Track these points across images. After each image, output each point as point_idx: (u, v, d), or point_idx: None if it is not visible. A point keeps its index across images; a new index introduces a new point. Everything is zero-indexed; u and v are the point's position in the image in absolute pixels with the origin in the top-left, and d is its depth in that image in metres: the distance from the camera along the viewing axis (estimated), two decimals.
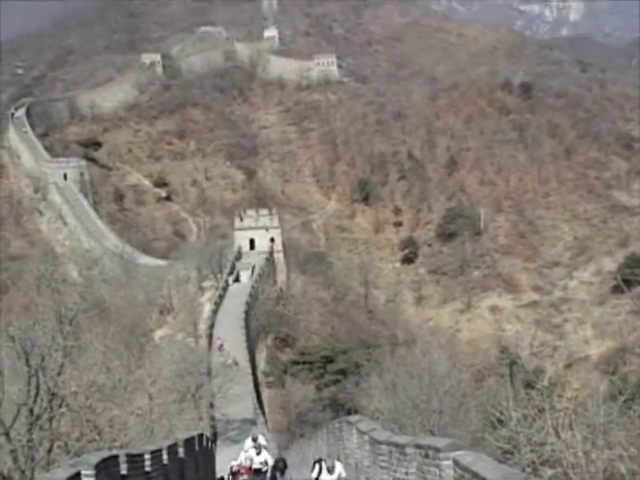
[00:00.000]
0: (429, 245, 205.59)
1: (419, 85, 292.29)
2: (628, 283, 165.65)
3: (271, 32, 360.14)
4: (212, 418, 64.49)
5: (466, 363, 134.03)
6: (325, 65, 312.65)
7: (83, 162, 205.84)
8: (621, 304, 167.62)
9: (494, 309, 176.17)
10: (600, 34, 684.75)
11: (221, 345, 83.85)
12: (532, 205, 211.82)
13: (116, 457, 19.29)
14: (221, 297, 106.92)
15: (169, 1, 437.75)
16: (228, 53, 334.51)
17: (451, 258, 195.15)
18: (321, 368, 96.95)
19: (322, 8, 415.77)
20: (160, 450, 24.05)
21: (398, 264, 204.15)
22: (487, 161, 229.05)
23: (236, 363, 78.80)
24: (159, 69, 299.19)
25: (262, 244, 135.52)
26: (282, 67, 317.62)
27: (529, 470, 30.98)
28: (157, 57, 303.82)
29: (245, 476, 30.61)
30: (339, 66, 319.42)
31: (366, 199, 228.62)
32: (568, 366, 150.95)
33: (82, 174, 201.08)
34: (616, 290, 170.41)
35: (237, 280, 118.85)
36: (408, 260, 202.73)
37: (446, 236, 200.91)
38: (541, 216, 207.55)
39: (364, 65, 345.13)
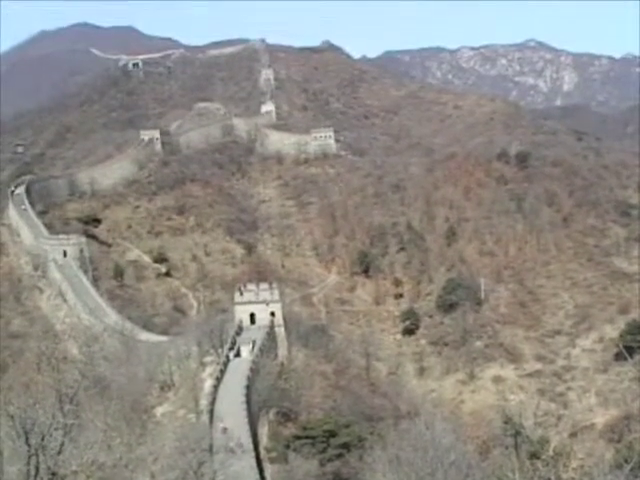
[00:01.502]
0: (430, 316, 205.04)
1: (417, 157, 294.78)
2: (630, 350, 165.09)
3: (268, 107, 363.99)
4: None
5: (470, 435, 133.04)
6: (322, 139, 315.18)
7: (83, 239, 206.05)
8: (624, 371, 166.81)
9: (497, 379, 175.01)
10: (594, 103, 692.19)
11: (225, 429, 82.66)
12: (532, 274, 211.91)
13: None
14: (222, 372, 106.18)
15: (167, 79, 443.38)
16: (226, 128, 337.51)
17: (452, 329, 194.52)
18: (324, 442, 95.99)
19: (319, 83, 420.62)
20: None
21: (399, 336, 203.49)
22: (486, 231, 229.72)
23: (240, 445, 77.64)
24: (158, 145, 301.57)
25: (263, 318, 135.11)
26: (280, 141, 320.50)
27: None
28: (156, 133, 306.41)
29: None
30: (336, 140, 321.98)
31: (366, 271, 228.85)
32: (573, 435, 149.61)
33: (82, 251, 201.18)
34: (619, 357, 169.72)
35: (238, 355, 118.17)
36: (409, 331, 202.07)
37: (447, 307, 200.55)
38: (541, 285, 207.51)
39: (361, 138, 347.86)
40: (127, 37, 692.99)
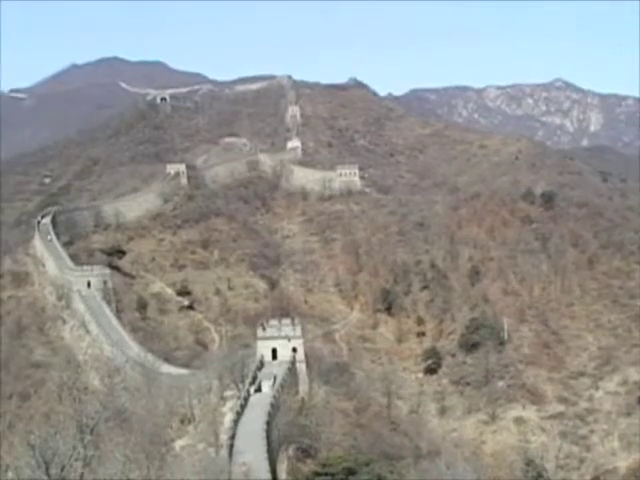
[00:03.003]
0: (452, 355, 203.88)
1: (441, 195, 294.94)
2: None
3: (294, 143, 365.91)
4: None
5: (491, 476, 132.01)
6: (347, 176, 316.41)
7: (107, 270, 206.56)
8: None
9: (519, 420, 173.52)
10: (620, 144, 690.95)
11: (246, 471, 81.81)
12: (556, 315, 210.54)
13: None
14: (242, 407, 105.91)
15: (194, 114, 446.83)
16: (252, 163, 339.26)
17: (475, 368, 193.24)
18: None
19: (345, 120, 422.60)
20: None
21: (421, 374, 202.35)
22: (510, 271, 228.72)
23: None
24: (184, 179, 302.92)
25: (284, 354, 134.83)
26: (305, 177, 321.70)
27: None
28: (182, 167, 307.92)
29: None
30: (361, 177, 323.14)
31: (389, 309, 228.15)
32: (595, 479, 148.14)
33: (105, 282, 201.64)
34: None
35: (259, 390, 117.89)
36: (431, 370, 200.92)
37: (469, 346, 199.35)
38: (565, 326, 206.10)
39: (386, 175, 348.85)
40: (155, 71, 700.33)
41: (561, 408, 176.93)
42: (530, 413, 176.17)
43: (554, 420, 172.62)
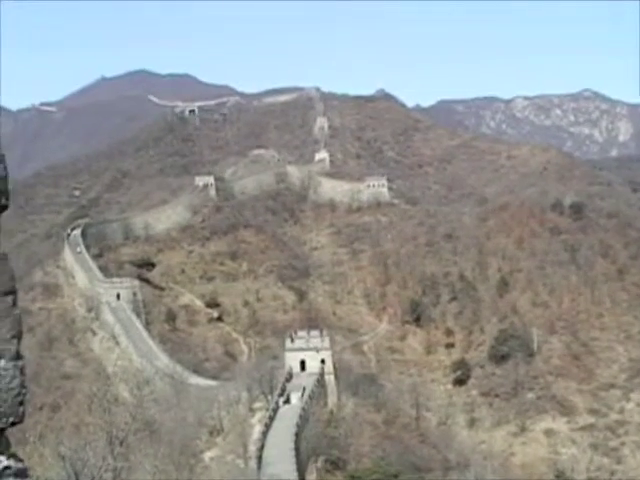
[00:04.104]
0: (481, 367, 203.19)
1: (470, 206, 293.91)
2: None
3: (322, 155, 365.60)
4: None
5: None
6: (376, 187, 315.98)
7: (136, 282, 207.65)
8: None
9: (549, 432, 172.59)
10: None
11: None
12: (586, 326, 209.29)
13: None
14: (271, 419, 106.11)
15: (222, 126, 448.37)
16: (280, 175, 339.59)
17: (504, 380, 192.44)
18: None
19: (373, 132, 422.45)
20: None
21: (450, 386, 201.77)
22: (539, 282, 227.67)
23: None
24: (212, 191, 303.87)
25: (313, 365, 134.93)
26: (333, 189, 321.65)
27: None
28: (210, 179, 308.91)
29: None
30: (389, 188, 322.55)
31: (417, 320, 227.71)
32: None
33: (135, 294, 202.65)
34: None
35: (287, 401, 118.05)
36: (460, 382, 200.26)
37: (499, 358, 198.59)
38: (595, 337, 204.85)
39: (414, 187, 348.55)
40: (184, 84, 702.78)
41: (591, 420, 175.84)
42: (560, 425, 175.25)
43: (584, 432, 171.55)
